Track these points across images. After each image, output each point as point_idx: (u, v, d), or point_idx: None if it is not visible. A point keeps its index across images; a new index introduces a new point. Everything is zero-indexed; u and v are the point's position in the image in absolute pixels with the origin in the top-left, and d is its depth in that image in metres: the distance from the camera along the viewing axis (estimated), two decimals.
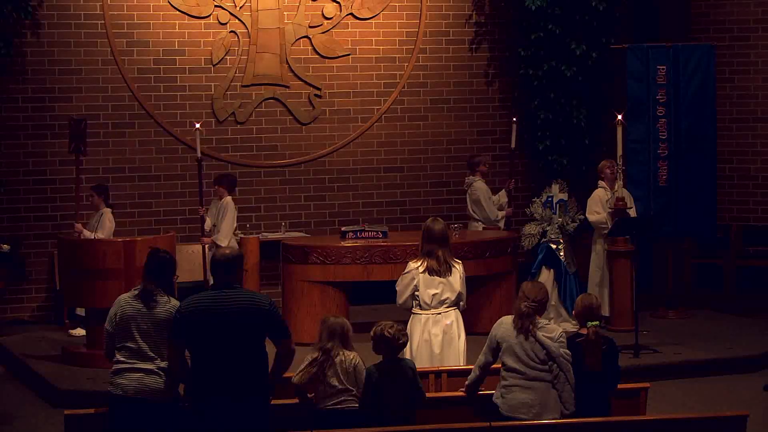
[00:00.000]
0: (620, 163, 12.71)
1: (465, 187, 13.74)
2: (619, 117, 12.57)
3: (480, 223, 13.61)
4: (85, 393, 10.39)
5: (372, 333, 8.04)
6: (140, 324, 7.47)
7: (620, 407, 8.25)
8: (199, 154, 12.39)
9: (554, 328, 7.94)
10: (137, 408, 7.40)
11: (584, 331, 7.89)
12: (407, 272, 9.41)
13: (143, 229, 13.82)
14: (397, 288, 9.49)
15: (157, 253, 7.68)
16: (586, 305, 7.98)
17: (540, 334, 7.79)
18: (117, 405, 7.47)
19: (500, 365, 7.92)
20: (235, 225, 13.01)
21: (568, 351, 7.82)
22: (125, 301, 7.56)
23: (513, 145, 13.90)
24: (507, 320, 7.94)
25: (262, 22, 14.30)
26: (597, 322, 7.88)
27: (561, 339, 7.85)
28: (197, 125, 12.39)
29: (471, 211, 13.70)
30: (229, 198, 13.02)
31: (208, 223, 12.89)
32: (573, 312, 8.16)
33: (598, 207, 12.93)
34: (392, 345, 7.92)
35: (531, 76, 14.79)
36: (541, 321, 7.90)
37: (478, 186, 13.62)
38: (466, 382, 8.14)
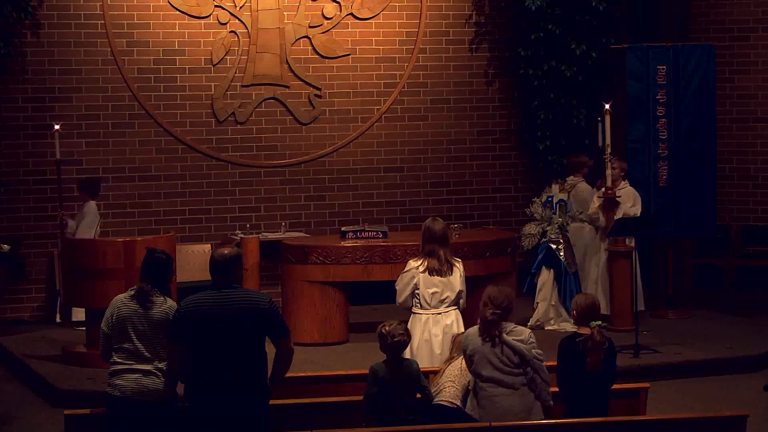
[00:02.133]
0: (607, 152, 12.72)
1: (567, 188, 13.47)
2: (607, 106, 12.63)
3: (585, 223, 13.39)
4: (85, 393, 10.40)
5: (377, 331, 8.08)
6: (137, 325, 7.46)
7: (620, 407, 8.25)
8: (57, 156, 12.26)
9: (523, 330, 7.80)
10: (136, 409, 7.40)
11: (584, 331, 7.85)
12: (407, 271, 9.42)
13: (143, 229, 13.82)
14: (396, 287, 9.49)
15: (153, 253, 7.67)
16: (588, 304, 7.92)
17: (509, 338, 7.70)
18: (115, 406, 7.46)
19: (475, 378, 7.79)
20: (96, 230, 12.81)
21: (539, 351, 7.75)
22: (121, 302, 7.55)
23: (600, 144, 13.76)
24: (473, 331, 7.83)
25: (262, 22, 14.30)
26: (599, 322, 7.86)
27: (531, 340, 7.74)
28: (56, 126, 12.31)
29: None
30: (92, 203, 12.92)
31: (72, 227, 12.80)
32: (572, 311, 8.10)
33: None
34: (387, 342, 7.92)
35: (531, 76, 14.79)
36: (509, 325, 7.76)
37: (584, 187, 13.43)
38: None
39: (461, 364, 8.11)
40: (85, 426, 7.77)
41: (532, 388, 7.69)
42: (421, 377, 7.95)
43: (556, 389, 7.96)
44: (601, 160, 12.95)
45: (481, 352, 7.70)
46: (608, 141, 12.69)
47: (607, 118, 12.64)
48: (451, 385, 8.06)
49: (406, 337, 8.01)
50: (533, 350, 7.71)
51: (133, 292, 7.55)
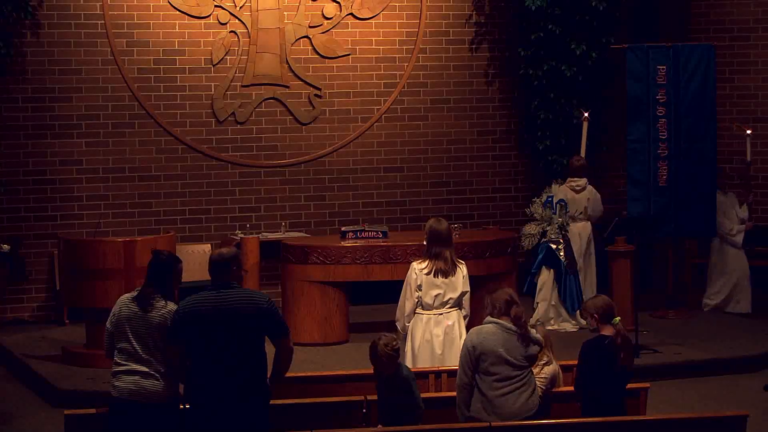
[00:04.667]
0: (582, 155, 13.33)
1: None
2: (586, 114, 13.33)
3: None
4: (85, 393, 10.40)
5: None
6: (135, 326, 7.47)
7: None
8: None
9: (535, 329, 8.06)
10: (134, 410, 7.40)
11: (607, 331, 7.87)
12: (410, 274, 9.39)
13: (143, 229, 13.82)
14: (400, 301, 9.48)
15: (159, 255, 7.65)
16: (605, 305, 7.97)
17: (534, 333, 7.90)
18: (115, 407, 7.47)
19: (482, 376, 7.82)
20: None
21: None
22: (123, 302, 7.56)
23: (748, 158, 13.82)
24: (487, 330, 7.86)
25: (262, 22, 14.30)
26: (619, 318, 7.91)
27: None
28: None
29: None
30: None
31: None
32: (590, 316, 8.07)
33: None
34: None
35: (531, 76, 14.78)
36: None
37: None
38: (459, 409, 7.93)
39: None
40: (85, 426, 7.77)
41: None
42: (413, 390, 7.85)
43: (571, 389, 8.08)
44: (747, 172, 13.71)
45: (498, 353, 7.75)
46: (584, 146, 13.40)
47: (585, 125, 13.19)
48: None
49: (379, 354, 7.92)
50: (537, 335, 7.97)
51: (136, 293, 7.55)
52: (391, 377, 7.83)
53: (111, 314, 7.60)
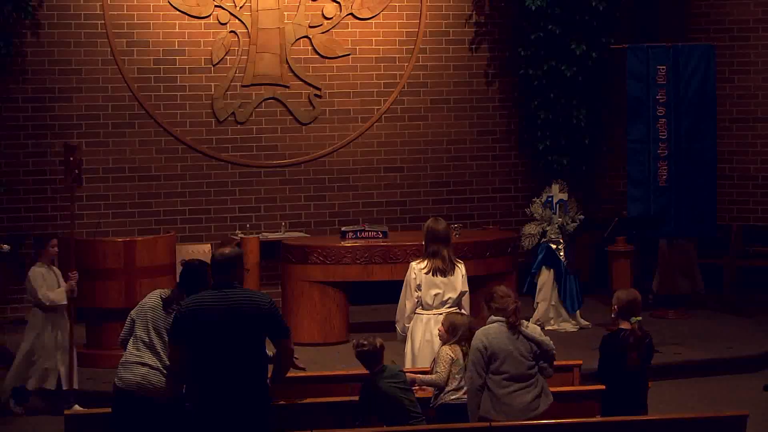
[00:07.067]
0: None
1: None
2: None
3: None
4: (85, 393, 10.39)
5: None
6: (155, 320, 7.62)
7: None
8: None
9: (535, 327, 7.96)
10: (139, 404, 7.47)
11: (624, 326, 7.87)
12: (409, 274, 9.38)
13: (143, 229, 13.82)
14: (399, 302, 9.47)
15: (190, 264, 7.83)
16: (630, 300, 7.97)
17: (528, 331, 7.82)
18: (120, 398, 7.55)
19: (491, 376, 7.80)
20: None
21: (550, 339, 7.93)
22: (154, 295, 7.76)
23: None
24: (494, 329, 7.85)
25: (262, 22, 14.30)
26: (639, 318, 7.90)
27: (543, 335, 7.95)
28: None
29: None
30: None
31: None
32: (613, 306, 8.09)
33: None
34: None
35: (531, 76, 14.78)
36: (522, 322, 7.90)
37: None
38: (470, 413, 7.88)
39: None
40: (85, 426, 7.77)
41: (543, 376, 7.82)
42: (398, 398, 7.78)
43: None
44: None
45: (507, 350, 7.74)
46: None
47: None
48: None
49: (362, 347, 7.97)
50: (550, 342, 7.87)
51: (169, 293, 7.72)
52: (373, 380, 7.82)
53: (139, 304, 7.79)
